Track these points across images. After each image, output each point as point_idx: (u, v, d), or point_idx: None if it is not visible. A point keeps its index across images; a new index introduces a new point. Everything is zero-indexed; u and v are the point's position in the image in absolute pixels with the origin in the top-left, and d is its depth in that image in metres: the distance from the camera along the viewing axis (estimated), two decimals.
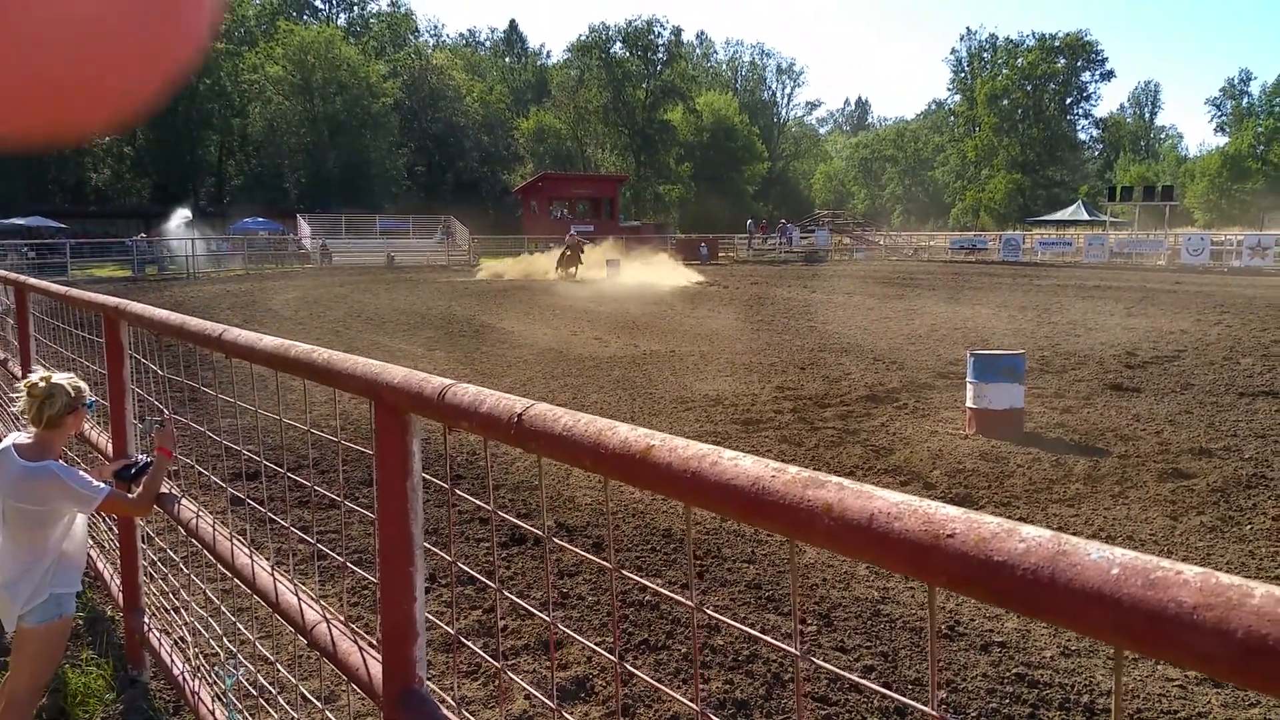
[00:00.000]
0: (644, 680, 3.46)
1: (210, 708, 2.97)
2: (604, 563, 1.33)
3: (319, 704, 2.49)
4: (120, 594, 3.78)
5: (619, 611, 3.97)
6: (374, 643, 2.01)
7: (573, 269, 30.96)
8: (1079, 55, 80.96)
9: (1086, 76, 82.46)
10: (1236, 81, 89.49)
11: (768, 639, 1.03)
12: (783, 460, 5.06)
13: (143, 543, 3.69)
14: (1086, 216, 58.79)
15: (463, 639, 1.88)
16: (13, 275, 5.97)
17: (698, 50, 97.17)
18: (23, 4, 0.38)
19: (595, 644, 3.59)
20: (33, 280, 5.22)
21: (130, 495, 3.12)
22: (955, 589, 0.93)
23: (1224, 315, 17.44)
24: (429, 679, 1.84)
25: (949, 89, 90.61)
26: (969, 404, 7.74)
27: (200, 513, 3.03)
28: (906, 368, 11.16)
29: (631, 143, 76.76)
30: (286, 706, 2.70)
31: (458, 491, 1.76)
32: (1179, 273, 34.76)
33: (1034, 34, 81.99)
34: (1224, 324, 15.64)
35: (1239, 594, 0.74)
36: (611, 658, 1.28)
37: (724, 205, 75.03)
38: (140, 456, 3.30)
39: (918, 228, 77.93)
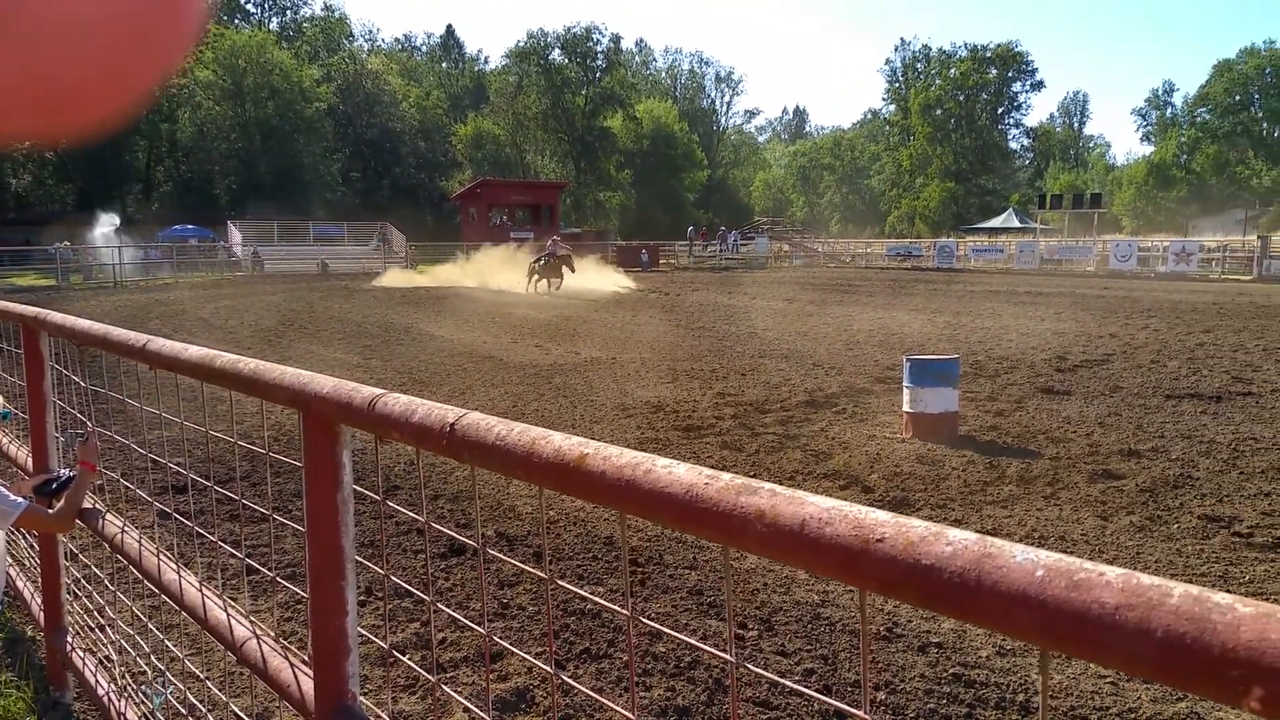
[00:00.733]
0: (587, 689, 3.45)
1: None
2: (538, 573, 1.31)
3: None
4: (41, 613, 3.64)
5: (560, 621, 3.95)
6: (306, 659, 1.96)
7: (556, 281, 27.43)
8: (1010, 66, 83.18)
9: (1017, 87, 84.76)
10: (1161, 92, 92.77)
11: (704, 646, 1.03)
12: (724, 466, 5.11)
13: (66, 560, 3.56)
14: (1018, 224, 60.38)
15: (398, 653, 1.84)
16: None
17: (637, 58, 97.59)
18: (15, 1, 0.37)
19: (536, 654, 3.57)
20: None
21: (51, 511, 3.01)
22: (886, 593, 0.94)
23: (1151, 320, 18.04)
24: (364, 694, 1.80)
25: (884, 99, 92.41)
26: (905, 408, 7.88)
27: (126, 528, 2.93)
28: (845, 373, 11.32)
29: (571, 149, 76.70)
30: None
31: (391, 504, 1.73)
32: (1107, 278, 35.89)
33: (966, 45, 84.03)
34: (1151, 328, 16.17)
35: (1159, 594, 0.75)
36: (547, 669, 1.26)
37: (665, 212, 75.46)
38: (62, 471, 3.19)
39: (855, 235, 79.22)
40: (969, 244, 51.01)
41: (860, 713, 0.93)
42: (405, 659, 1.85)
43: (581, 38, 76.88)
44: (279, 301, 24.57)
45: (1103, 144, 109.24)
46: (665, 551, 4.92)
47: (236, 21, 68.48)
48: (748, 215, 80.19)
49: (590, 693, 1.25)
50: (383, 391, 1.56)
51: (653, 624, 1.11)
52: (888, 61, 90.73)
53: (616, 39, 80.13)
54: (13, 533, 3.50)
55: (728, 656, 1.04)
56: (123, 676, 3.10)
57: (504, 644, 1.42)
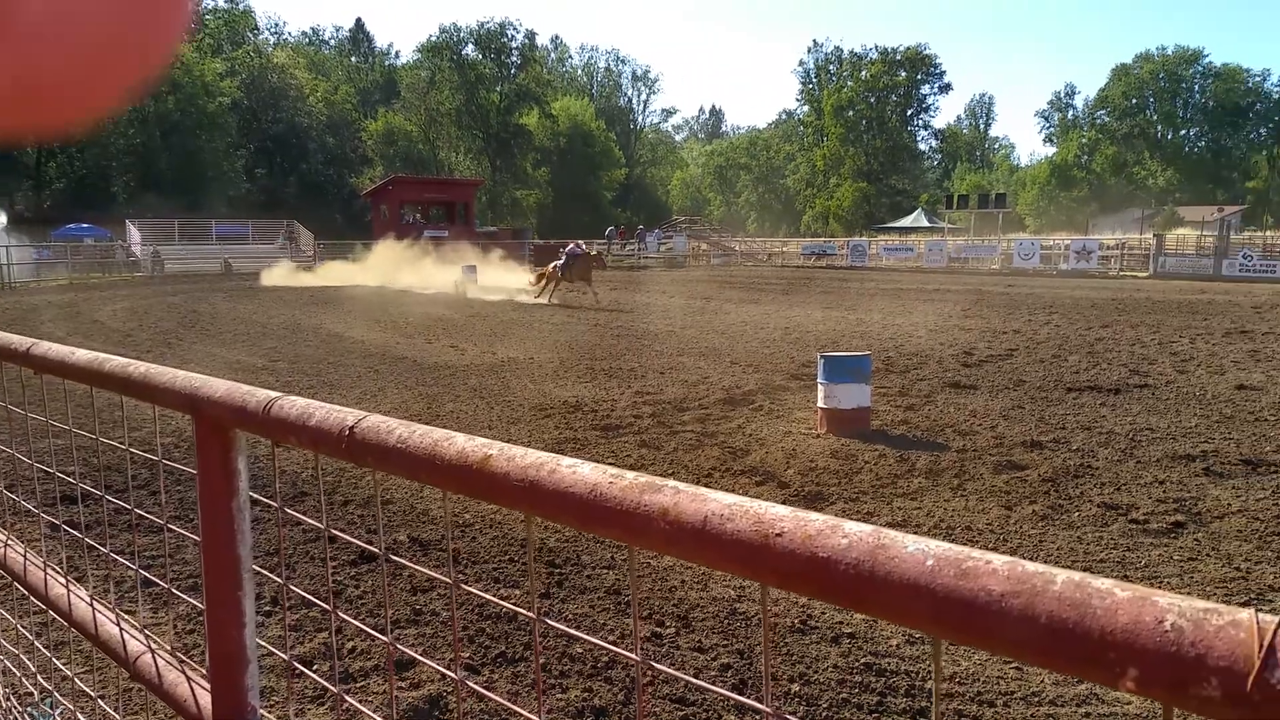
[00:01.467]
0: (498, 691, 3.41)
1: None
2: (444, 578, 1.29)
3: None
4: None
5: (475, 625, 3.91)
6: (205, 673, 1.90)
7: (587, 288, 23.12)
8: (918, 68, 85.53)
9: (926, 89, 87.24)
10: (1062, 95, 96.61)
11: (607, 645, 1.02)
12: (642, 465, 5.13)
13: None
14: (927, 223, 62.18)
15: (304, 664, 1.80)
16: None
17: (552, 55, 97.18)
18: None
19: (448, 660, 3.52)
20: None
21: None
22: (785, 587, 0.95)
23: (1053, 315, 18.76)
24: (266, 708, 1.75)
25: (798, 100, 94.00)
26: (820, 404, 8.03)
27: (9, 541, 2.78)
28: (762, 370, 11.47)
29: (486, 146, 75.98)
30: None
31: (292, 511, 1.68)
32: (1012, 276, 37.20)
33: (877, 47, 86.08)
34: (1053, 324, 16.82)
35: (1042, 581, 0.78)
36: (453, 675, 1.24)
37: (583, 211, 75.31)
38: None
39: (772, 234, 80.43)
40: (881, 243, 52.29)
41: (765, 708, 0.94)
42: (309, 670, 1.81)
43: (495, 33, 76.23)
44: (180, 303, 23.72)
45: (1007, 145, 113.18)
46: (583, 551, 4.92)
47: None
48: (666, 214, 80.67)
49: (500, 700, 1.24)
50: (279, 394, 1.51)
51: (559, 625, 1.10)
52: (801, 63, 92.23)
53: (531, 35, 79.80)
54: None
55: (633, 656, 1.04)
56: (8, 698, 2.95)
57: (409, 652, 1.40)
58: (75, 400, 2.20)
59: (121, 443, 2.20)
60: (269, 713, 1.74)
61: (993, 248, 43.99)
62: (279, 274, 32.73)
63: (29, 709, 2.89)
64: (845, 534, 0.89)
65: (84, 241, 41.67)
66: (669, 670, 0.97)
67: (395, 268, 31.38)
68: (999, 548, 5.15)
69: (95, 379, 2.04)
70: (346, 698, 1.52)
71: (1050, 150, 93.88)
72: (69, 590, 2.46)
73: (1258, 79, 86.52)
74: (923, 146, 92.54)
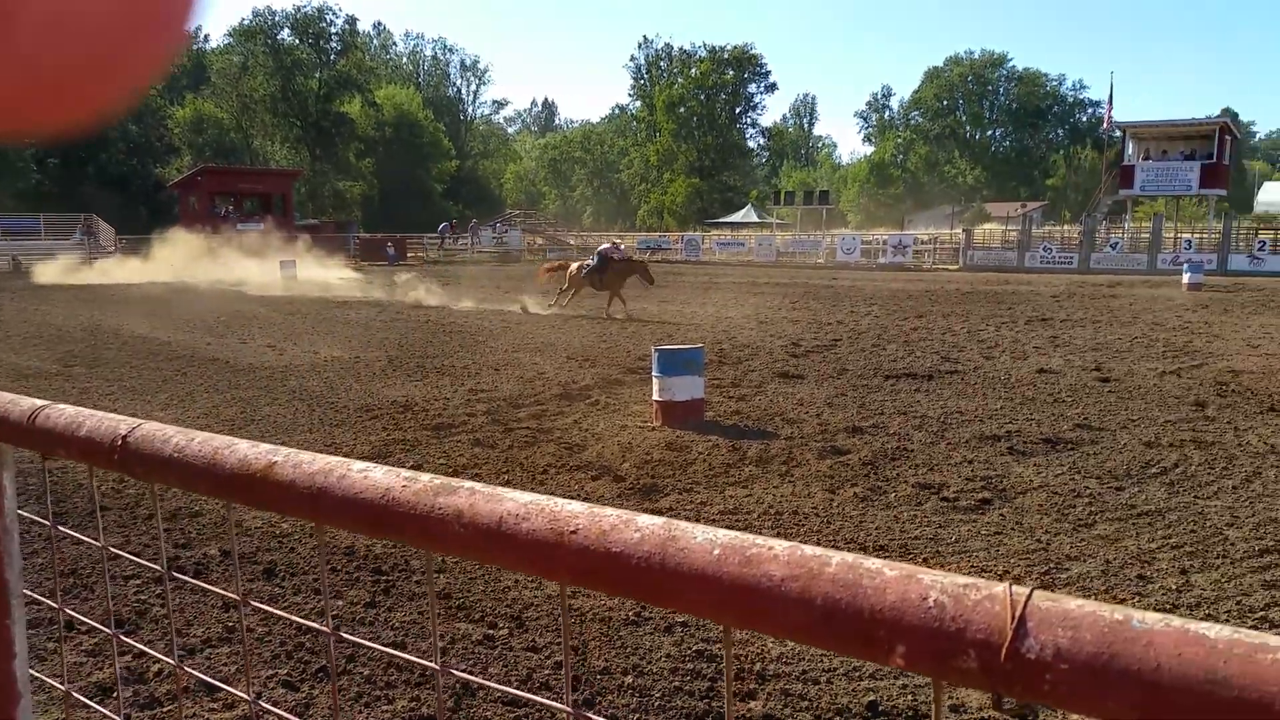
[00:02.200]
0: (319, 708, 3.28)
1: None
2: (231, 595, 1.22)
3: None
4: None
5: (294, 640, 3.73)
6: None
7: (618, 303, 18.19)
8: (745, 67, 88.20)
9: (753, 88, 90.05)
10: (879, 97, 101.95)
11: (405, 655, 0.99)
12: (476, 464, 5.05)
13: None
14: (756, 219, 64.31)
15: (102, 691, 1.66)
16: None
17: (375, 42, 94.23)
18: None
19: (266, 678, 3.35)
20: None
21: None
22: (581, 584, 0.95)
23: (873, 307, 19.78)
24: None
25: (630, 95, 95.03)
26: (655, 397, 8.16)
27: None
28: (599, 365, 11.54)
29: (305, 136, 72.82)
30: None
31: (66, 530, 1.55)
32: (836, 269, 39.00)
33: (706, 45, 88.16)
34: (873, 315, 17.74)
35: (819, 563, 0.81)
36: (246, 696, 1.18)
37: (413, 203, 73.42)
38: None
39: (607, 228, 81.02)
40: (714, 238, 53.70)
41: (565, 707, 0.94)
42: (91, 703, 1.67)
43: (313, 18, 73.15)
44: None
45: (830, 144, 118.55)
46: (412, 556, 4.80)
47: None
48: (500, 208, 79.77)
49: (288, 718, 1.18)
50: (45, 403, 1.39)
51: (353, 638, 1.06)
52: (632, 58, 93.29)
53: (352, 20, 77.08)
54: None
55: (433, 665, 1.02)
56: None
57: (196, 672, 1.31)
58: None
59: None
60: None
61: (818, 242, 45.99)
62: (55, 271, 30.07)
63: None
64: (638, 528, 0.89)
65: None
66: (468, 677, 0.95)
67: (193, 262, 29.38)
68: (823, 530, 5.40)
69: None
70: None
71: (869, 149, 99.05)
72: None
73: (1055, 83, 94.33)
74: (752, 144, 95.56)
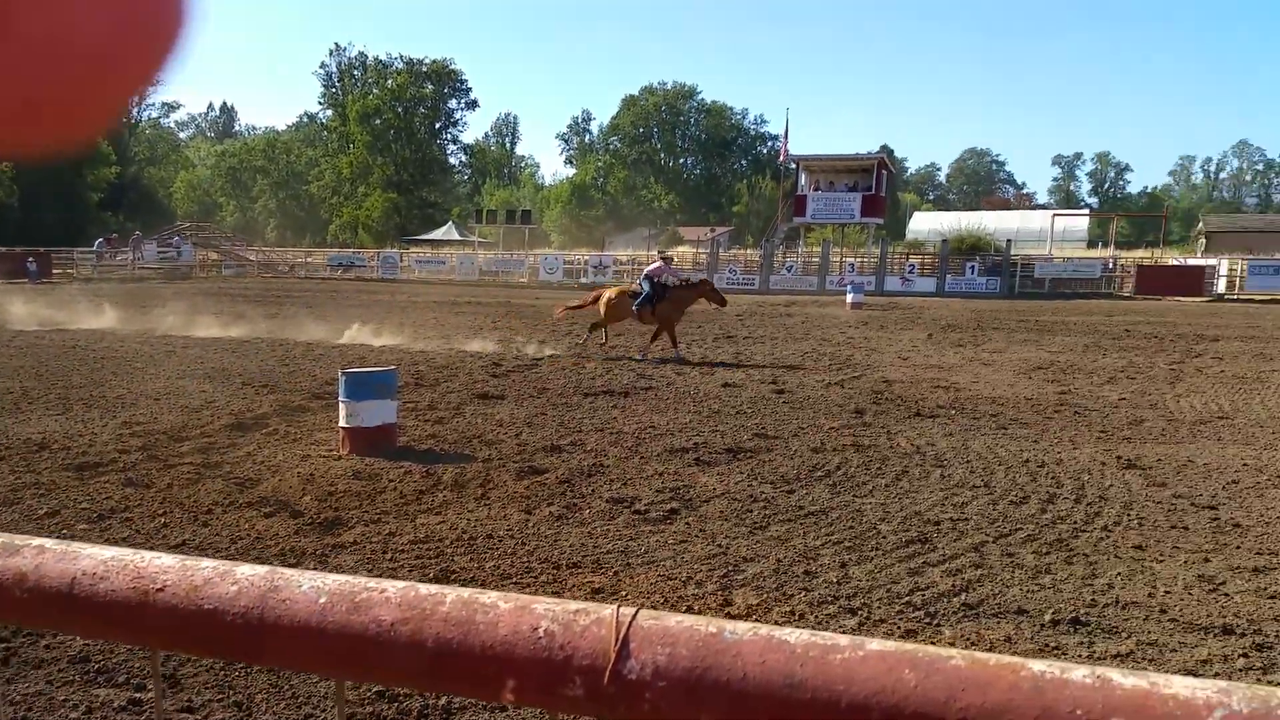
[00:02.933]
0: None
1: None
2: None
3: None
4: None
5: None
6: None
7: (664, 335, 15.03)
8: (445, 82, 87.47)
9: (454, 103, 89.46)
10: (580, 121, 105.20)
11: None
12: (126, 507, 4.55)
13: None
14: (458, 236, 63.88)
15: None
16: None
17: None
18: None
19: None
20: None
21: None
22: (172, 648, 0.85)
23: (574, 325, 20.23)
24: None
25: (320, 103, 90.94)
26: (341, 424, 7.79)
27: None
28: (279, 391, 10.85)
29: None
30: None
31: None
32: (539, 289, 39.62)
33: (402, 57, 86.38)
34: (573, 333, 18.14)
35: (432, 603, 0.77)
36: None
37: (62, 214, 65.32)
38: None
39: (294, 243, 76.87)
40: (413, 255, 52.61)
41: None
42: None
43: None
44: None
45: (533, 164, 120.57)
46: None
47: None
48: (170, 219, 73.05)
49: None
50: None
51: None
52: (323, 65, 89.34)
53: None
54: None
55: None
56: None
57: None
58: None
59: None
60: None
61: (521, 262, 46.52)
62: None
63: None
64: (236, 579, 0.82)
65: None
66: None
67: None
68: (517, 551, 5.40)
69: None
70: None
71: (571, 171, 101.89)
72: None
73: (739, 116, 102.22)
74: (453, 160, 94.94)
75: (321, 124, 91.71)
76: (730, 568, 5.20)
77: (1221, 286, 34.71)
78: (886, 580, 5.03)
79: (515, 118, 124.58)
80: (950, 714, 0.60)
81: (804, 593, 4.83)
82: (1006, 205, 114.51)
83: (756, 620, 4.49)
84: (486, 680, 0.78)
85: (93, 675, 3.57)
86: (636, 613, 0.76)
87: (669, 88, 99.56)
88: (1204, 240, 78.78)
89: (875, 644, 0.68)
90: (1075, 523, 6.23)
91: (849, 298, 28.29)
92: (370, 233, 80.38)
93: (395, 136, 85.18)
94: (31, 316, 19.74)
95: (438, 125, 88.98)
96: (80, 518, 5.79)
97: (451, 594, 0.80)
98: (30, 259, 39.00)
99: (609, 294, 15.83)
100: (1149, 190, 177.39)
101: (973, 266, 37.85)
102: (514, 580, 4.94)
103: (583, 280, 42.43)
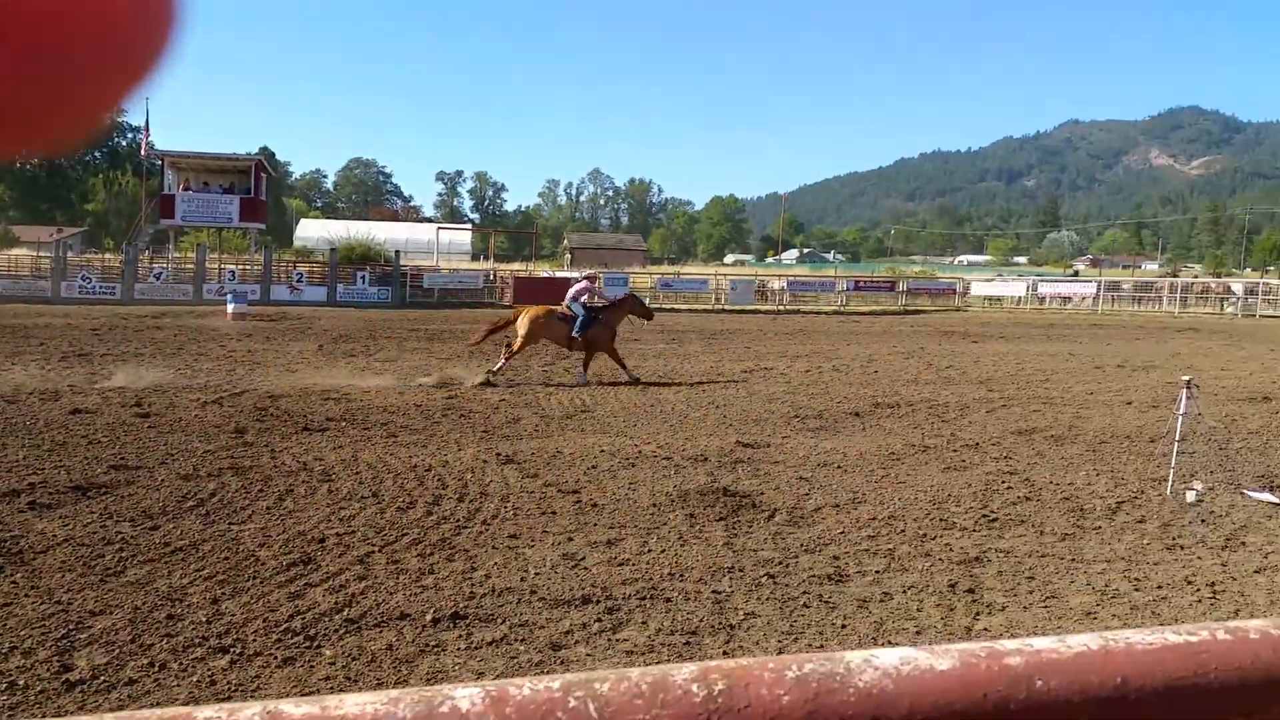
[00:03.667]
0: None
1: None
2: None
3: None
4: None
5: None
6: None
7: (597, 359, 14.62)
8: None
9: None
10: None
11: None
12: None
13: None
14: None
15: None
16: None
17: None
18: None
19: None
20: None
21: None
22: None
23: None
24: None
25: None
26: None
27: None
28: None
29: None
30: None
31: None
32: None
33: None
34: None
35: None
36: None
37: None
38: None
39: None
40: None
41: None
42: None
43: None
44: None
45: None
46: None
47: None
48: None
49: None
50: None
51: None
52: None
53: None
54: None
55: None
56: None
57: None
58: None
59: None
60: None
61: None
62: None
63: None
64: None
65: None
66: None
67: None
68: None
69: None
70: None
71: None
72: None
73: None
74: None
75: None
76: (72, 626, 4.45)
77: None
78: (264, 610, 4.73)
79: None
80: None
81: (166, 639, 4.32)
82: (395, 216, 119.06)
83: (105, 681, 3.90)
84: None
85: None
86: None
87: None
88: (570, 255, 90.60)
89: None
90: (458, 520, 6.56)
91: (230, 307, 26.70)
92: None
93: None
94: None
95: None
96: None
97: None
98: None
99: (527, 316, 14.63)
100: (523, 209, 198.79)
101: (364, 276, 38.35)
102: None
103: None
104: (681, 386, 13.97)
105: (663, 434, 10.15)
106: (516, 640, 4.62)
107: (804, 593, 5.46)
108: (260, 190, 41.42)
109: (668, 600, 5.23)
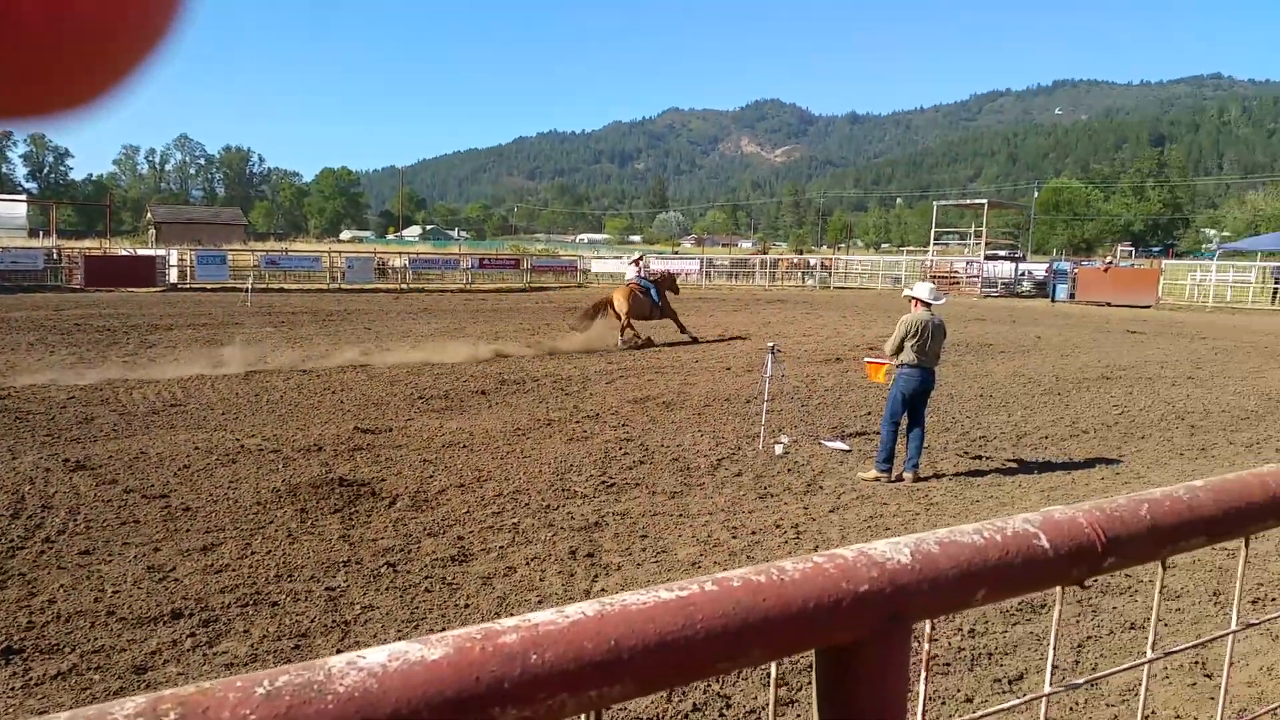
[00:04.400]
0: None
1: None
2: None
3: None
4: None
5: None
6: None
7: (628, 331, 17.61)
8: None
9: None
10: None
11: None
12: None
13: None
14: None
15: None
16: None
17: None
18: None
19: None
20: None
21: None
22: None
23: None
24: None
25: None
26: None
27: None
28: None
29: None
30: None
31: None
32: None
33: None
34: None
35: None
36: None
37: None
38: None
39: None
40: None
41: None
42: None
43: None
44: None
45: None
46: None
47: None
48: None
49: None
50: None
51: None
52: None
53: None
54: None
55: None
56: None
57: None
58: None
59: None
60: None
61: None
62: None
63: None
64: None
65: None
66: None
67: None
68: None
69: None
70: None
71: None
72: None
73: None
74: None
75: None
76: None
77: (174, 276, 36.22)
78: None
79: None
80: None
81: None
82: None
83: None
84: None
85: None
86: None
87: None
88: (154, 230, 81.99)
89: None
90: (13, 541, 5.64)
91: None
92: None
93: None
94: None
95: None
96: None
97: None
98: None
99: (618, 298, 17.49)
100: (94, 178, 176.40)
101: None
102: None
103: None
104: (292, 373, 13.14)
105: (269, 425, 9.47)
106: (90, 669, 4.05)
107: (426, 578, 5.33)
108: None
109: (274, 604, 4.86)
